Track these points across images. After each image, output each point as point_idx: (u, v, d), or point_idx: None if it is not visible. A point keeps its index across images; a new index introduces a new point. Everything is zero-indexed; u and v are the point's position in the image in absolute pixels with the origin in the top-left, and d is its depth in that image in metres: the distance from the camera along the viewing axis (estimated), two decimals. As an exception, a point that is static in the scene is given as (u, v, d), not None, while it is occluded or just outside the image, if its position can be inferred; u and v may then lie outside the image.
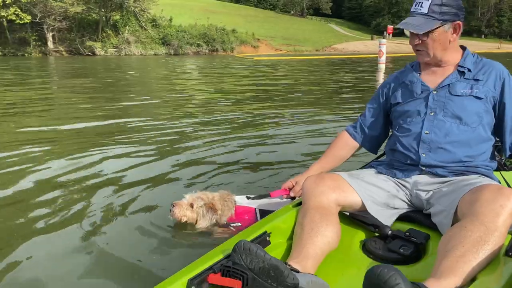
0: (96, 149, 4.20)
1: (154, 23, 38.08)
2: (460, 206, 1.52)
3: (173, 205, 2.32)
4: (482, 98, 1.76)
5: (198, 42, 38.51)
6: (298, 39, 50.13)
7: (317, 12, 74.52)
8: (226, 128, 5.36)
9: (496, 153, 2.02)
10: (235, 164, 3.65)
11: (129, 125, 5.54)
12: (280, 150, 4.19)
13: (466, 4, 61.79)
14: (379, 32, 55.15)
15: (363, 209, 1.74)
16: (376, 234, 1.71)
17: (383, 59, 15.85)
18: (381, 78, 12.92)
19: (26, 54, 31.30)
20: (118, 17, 36.33)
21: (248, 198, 2.36)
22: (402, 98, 1.93)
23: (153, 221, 2.45)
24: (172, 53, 36.08)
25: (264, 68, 18.47)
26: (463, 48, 1.89)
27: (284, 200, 2.17)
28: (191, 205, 2.31)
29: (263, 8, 70.49)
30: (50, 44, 33.14)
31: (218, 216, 2.29)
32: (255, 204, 2.31)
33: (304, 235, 1.55)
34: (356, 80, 12.39)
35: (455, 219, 1.52)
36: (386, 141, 2.06)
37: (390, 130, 2.09)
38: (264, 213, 2.20)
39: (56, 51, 33.00)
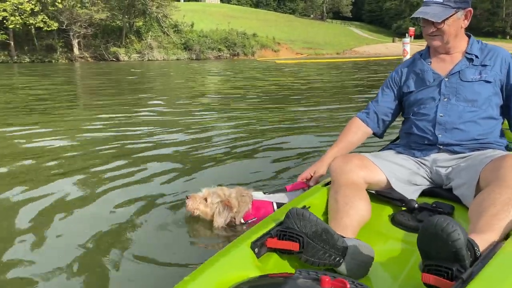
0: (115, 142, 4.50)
1: (176, 29, 38.60)
2: (482, 177, 1.64)
3: (188, 198, 2.34)
4: (491, 82, 1.91)
5: (219, 47, 38.87)
6: (319, 42, 50.02)
7: (337, 15, 74.16)
8: (246, 125, 5.57)
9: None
10: (256, 160, 3.79)
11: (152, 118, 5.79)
12: (298, 144, 4.32)
13: (490, 6, 60.78)
14: (400, 34, 54.43)
15: (388, 187, 1.87)
16: (403, 208, 1.82)
17: (407, 57, 15.05)
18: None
19: (53, 61, 32.06)
20: (141, 23, 36.95)
21: (264, 193, 2.39)
22: (415, 86, 2.06)
23: (172, 214, 2.51)
24: (194, 58, 36.49)
25: (287, 70, 18.66)
26: (468, 35, 2.02)
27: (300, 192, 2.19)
28: (205, 199, 2.31)
29: (283, 12, 70.59)
30: (76, 50, 33.91)
31: (234, 213, 2.27)
32: (272, 198, 2.32)
33: (340, 209, 1.66)
34: (380, 80, 12.41)
35: (478, 190, 1.64)
36: (401, 126, 2.18)
37: (401, 116, 2.21)
38: (281, 206, 2.17)
39: (81, 57, 33.74)
